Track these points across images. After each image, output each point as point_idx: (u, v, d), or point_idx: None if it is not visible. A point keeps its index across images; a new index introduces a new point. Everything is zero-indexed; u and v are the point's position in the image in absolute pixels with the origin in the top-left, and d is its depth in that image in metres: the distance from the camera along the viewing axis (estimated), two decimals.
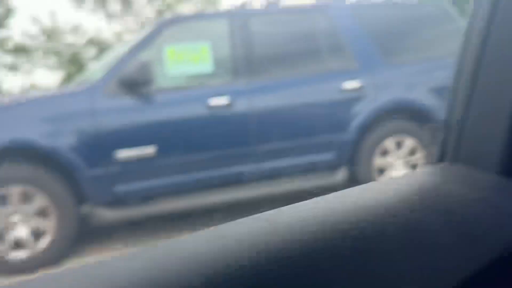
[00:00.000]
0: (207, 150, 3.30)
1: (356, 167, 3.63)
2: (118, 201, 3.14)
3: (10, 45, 11.83)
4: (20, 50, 11.96)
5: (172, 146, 3.22)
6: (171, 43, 3.32)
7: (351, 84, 3.57)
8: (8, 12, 11.53)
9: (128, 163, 3.10)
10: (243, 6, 3.73)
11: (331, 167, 3.64)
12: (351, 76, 3.60)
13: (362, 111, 3.57)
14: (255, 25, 3.56)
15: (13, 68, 12.10)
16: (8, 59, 12.03)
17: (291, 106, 3.53)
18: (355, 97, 3.59)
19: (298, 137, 3.50)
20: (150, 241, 3.38)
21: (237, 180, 3.40)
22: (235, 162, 3.38)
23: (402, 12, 3.93)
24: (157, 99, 3.21)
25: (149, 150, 3.13)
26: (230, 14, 3.59)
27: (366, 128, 3.61)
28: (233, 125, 3.35)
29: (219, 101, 3.27)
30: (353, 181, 3.71)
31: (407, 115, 3.75)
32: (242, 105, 3.33)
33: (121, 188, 3.11)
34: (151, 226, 3.77)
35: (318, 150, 3.54)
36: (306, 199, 0.44)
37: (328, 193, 0.46)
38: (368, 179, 3.63)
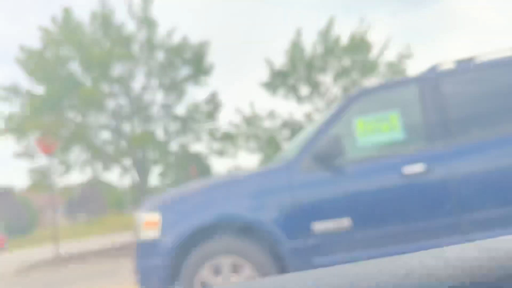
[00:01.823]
0: (405, 221, 3.14)
1: None
2: None
3: (219, 134, 13.84)
4: (227, 137, 13.84)
5: (367, 218, 3.17)
6: (360, 115, 3.40)
7: None
8: (217, 106, 13.65)
9: (325, 236, 3.16)
10: (432, 69, 3.62)
11: None
12: None
13: None
14: (447, 86, 3.39)
15: (220, 153, 14.00)
16: (217, 145, 14.03)
17: (497, 169, 3.13)
18: None
19: (509, 204, 3.04)
20: None
21: None
22: (437, 235, 3.10)
23: None
24: (350, 171, 3.27)
25: (344, 222, 3.15)
26: (418, 79, 3.51)
27: None
28: (431, 194, 3.13)
29: (414, 168, 3.14)
30: None
31: None
32: (440, 172, 3.11)
33: (319, 260, 3.16)
34: None
35: None
36: None
37: None
38: None
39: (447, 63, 3.63)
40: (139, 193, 13.68)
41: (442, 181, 3.10)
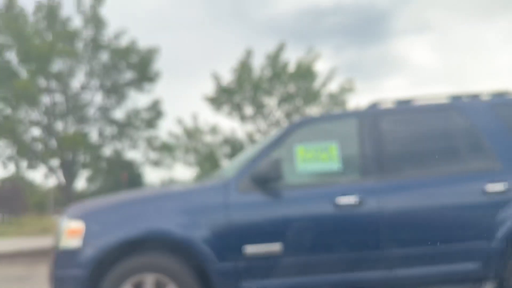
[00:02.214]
0: (334, 251, 3.18)
1: (507, 282, 3.13)
2: None
3: (157, 143, 13.50)
4: (165, 148, 13.52)
5: (297, 245, 3.17)
6: (301, 142, 3.44)
7: (495, 187, 3.24)
8: (158, 115, 13.34)
9: (255, 260, 3.12)
10: (372, 106, 3.77)
11: (475, 279, 3.19)
12: (494, 177, 3.28)
13: (510, 217, 3.17)
14: (386, 123, 3.53)
15: (156, 163, 13.63)
16: (154, 155, 13.66)
17: (426, 207, 3.28)
18: (501, 201, 3.22)
19: (435, 242, 3.19)
20: None
21: (366, 287, 3.16)
22: (364, 267, 3.17)
23: None
24: (286, 196, 3.27)
25: (275, 247, 3.13)
26: (359, 114, 3.64)
27: None
28: (362, 226, 3.21)
29: (348, 200, 3.21)
30: None
31: None
32: (372, 205, 3.20)
33: (247, 284, 3.11)
34: None
35: (459, 258, 3.17)
36: None
37: None
38: None
39: (387, 101, 3.80)
40: (64, 197, 12.93)
41: (373, 215, 3.19)
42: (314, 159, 3.37)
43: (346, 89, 14.08)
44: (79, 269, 3.06)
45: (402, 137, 3.59)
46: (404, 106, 3.71)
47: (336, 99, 13.99)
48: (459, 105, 3.59)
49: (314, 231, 3.19)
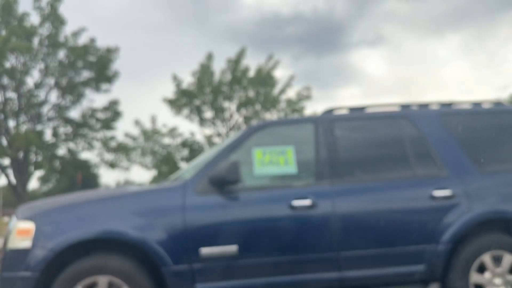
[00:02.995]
0: (288, 252, 3.20)
1: (450, 282, 3.27)
2: None
3: (113, 144, 13.13)
4: (121, 149, 13.18)
5: (253, 246, 3.17)
6: (259, 145, 3.45)
7: (441, 192, 3.38)
8: (115, 116, 13.00)
9: (211, 262, 3.08)
10: (327, 112, 3.84)
11: (421, 280, 3.31)
12: (440, 184, 3.42)
13: (455, 221, 3.31)
14: (340, 129, 3.61)
15: (112, 164, 13.26)
16: (109, 156, 13.27)
17: (376, 211, 3.37)
18: (446, 206, 3.36)
19: (384, 245, 3.28)
20: None
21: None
22: (317, 268, 3.21)
23: (494, 119, 3.79)
24: (243, 198, 3.26)
25: (231, 248, 3.11)
26: (315, 120, 3.69)
27: (460, 240, 3.31)
28: (315, 228, 3.25)
29: (302, 202, 3.25)
30: None
31: (504, 229, 3.41)
32: (325, 208, 3.26)
33: (202, 286, 3.07)
34: None
35: (406, 261, 3.28)
36: None
37: None
38: None
39: (342, 108, 3.89)
40: (15, 197, 12.30)
41: (325, 217, 3.24)
42: (271, 162, 3.39)
43: (303, 97, 14.32)
44: (29, 271, 2.91)
45: (355, 143, 3.68)
46: (357, 113, 3.81)
47: (294, 105, 14.19)
48: (409, 113, 3.72)
49: (269, 232, 3.20)
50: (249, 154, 3.46)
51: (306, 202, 3.24)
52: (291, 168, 3.41)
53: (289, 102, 14.31)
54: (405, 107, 3.86)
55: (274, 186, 3.52)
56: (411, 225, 3.35)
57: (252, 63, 21.31)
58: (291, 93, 14.14)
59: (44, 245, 2.95)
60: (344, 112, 3.85)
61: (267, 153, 3.40)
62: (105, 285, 2.96)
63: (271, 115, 14.20)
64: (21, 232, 3.03)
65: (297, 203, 3.23)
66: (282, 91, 14.23)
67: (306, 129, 3.65)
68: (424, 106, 3.90)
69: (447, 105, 3.98)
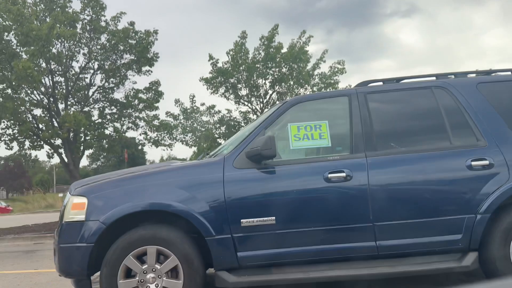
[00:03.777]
0: (325, 223, 3.22)
1: (489, 252, 3.19)
2: (239, 267, 3.17)
3: (156, 123, 13.39)
4: (164, 127, 13.42)
5: (290, 217, 3.21)
6: (294, 121, 3.44)
7: (480, 162, 3.27)
8: (157, 96, 13.23)
9: (250, 232, 3.16)
10: (361, 85, 3.76)
11: (458, 250, 3.25)
12: (479, 153, 3.30)
13: (494, 191, 3.21)
14: (374, 102, 3.54)
15: (156, 142, 13.58)
16: (153, 134, 13.59)
17: (413, 182, 3.32)
18: (485, 176, 3.25)
19: (421, 215, 3.23)
20: None
21: (354, 256, 3.22)
22: (352, 238, 3.22)
23: None
24: (280, 172, 3.29)
25: (269, 219, 3.17)
26: (349, 93, 3.63)
27: (499, 209, 3.21)
28: (351, 199, 3.24)
29: (337, 175, 3.24)
30: (485, 267, 3.25)
31: None
32: (360, 179, 3.23)
33: (243, 254, 3.16)
34: None
35: (444, 231, 3.22)
36: (426, 282, 0.39)
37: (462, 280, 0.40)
38: (503, 267, 3.16)
39: (376, 81, 3.80)
40: (67, 174, 12.92)
41: (361, 189, 3.22)
42: (306, 137, 3.38)
43: (336, 71, 14.00)
44: (84, 242, 3.09)
45: (390, 115, 3.60)
46: (392, 85, 3.71)
47: (327, 80, 13.93)
48: (446, 83, 3.59)
49: (306, 204, 3.22)
50: (284, 129, 3.47)
51: (341, 174, 3.23)
52: (326, 142, 3.39)
53: (323, 76, 14.04)
54: (442, 77, 3.73)
55: (309, 160, 3.52)
56: (448, 196, 3.27)
57: (285, 39, 21.01)
58: (324, 68, 13.88)
59: (96, 218, 3.12)
60: (378, 84, 3.76)
61: (301, 128, 3.39)
62: (154, 254, 3.10)
63: (304, 91, 14.02)
64: (75, 207, 3.20)
65: (332, 175, 3.22)
66: (316, 66, 13.96)
67: (340, 103, 3.60)
68: (461, 76, 3.75)
69: (485, 74, 3.81)
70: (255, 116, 13.91)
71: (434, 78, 3.72)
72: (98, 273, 3.19)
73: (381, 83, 3.78)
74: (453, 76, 3.74)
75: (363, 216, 3.21)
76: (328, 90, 13.49)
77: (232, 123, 14.09)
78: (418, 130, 3.54)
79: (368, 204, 3.21)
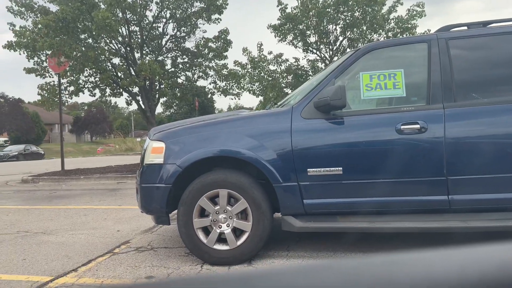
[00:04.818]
0: (394, 175, 3.17)
1: None
2: (305, 213, 3.27)
3: (225, 72, 13.59)
4: (232, 76, 13.59)
5: (357, 169, 3.19)
6: (366, 69, 3.32)
7: None
8: (225, 44, 13.29)
9: (317, 181, 3.21)
10: (443, 30, 3.48)
11: None
12: None
13: None
14: (456, 49, 3.29)
15: (224, 91, 13.83)
16: (222, 83, 13.83)
17: (494, 136, 3.12)
18: None
19: (500, 170, 3.06)
20: (324, 251, 3.41)
21: (423, 210, 3.16)
22: (422, 191, 3.15)
23: None
24: (349, 122, 3.25)
25: (336, 170, 3.18)
26: (428, 39, 3.39)
27: None
28: (424, 152, 3.14)
29: (411, 126, 3.12)
30: None
31: None
32: (436, 132, 3.10)
33: (310, 202, 3.24)
34: (332, 240, 3.80)
35: None
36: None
37: None
38: None
39: (459, 25, 3.50)
40: (144, 120, 13.69)
41: (435, 142, 3.10)
42: (379, 86, 3.26)
43: (414, 14, 12.99)
44: (162, 183, 3.34)
45: (473, 63, 3.33)
46: (478, 30, 3.40)
47: (404, 24, 13.00)
48: None
49: (374, 155, 3.17)
50: (355, 79, 3.38)
51: (415, 126, 3.11)
52: (400, 92, 3.26)
53: (399, 21, 13.11)
54: None
55: (380, 111, 3.41)
56: None
57: None
58: (401, 11, 12.93)
59: (173, 161, 3.34)
60: (461, 29, 3.47)
61: (374, 77, 3.27)
62: (225, 197, 3.29)
63: (378, 37, 13.28)
64: (155, 150, 3.44)
65: (405, 127, 3.12)
66: (391, 9, 13.03)
67: (418, 50, 3.40)
68: None
69: None
70: (323, 64, 13.53)
71: None
72: (176, 211, 3.46)
73: (465, 27, 3.48)
74: None
75: (436, 169, 3.10)
76: (404, 35, 12.64)
77: (300, 72, 13.85)
78: (504, 80, 3.26)
79: (443, 158, 3.09)
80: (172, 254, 3.69)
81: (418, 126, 3.11)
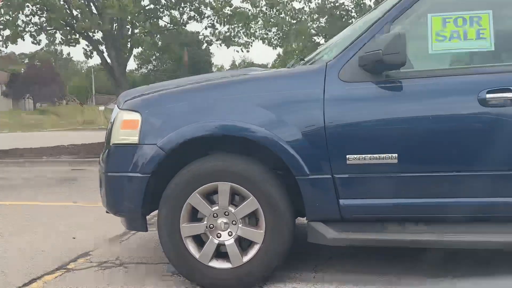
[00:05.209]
0: (476, 166, 3.14)
1: None
2: (341, 219, 3.27)
3: (228, 11, 13.34)
4: (238, 17, 13.39)
5: (421, 156, 3.18)
6: (438, 10, 3.27)
7: None
8: None
9: (359, 172, 3.20)
10: None
11: None
12: None
13: None
14: None
15: (226, 39, 13.69)
16: (223, 28, 13.67)
17: None
18: None
19: None
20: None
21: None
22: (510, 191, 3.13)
23: None
24: (410, 88, 3.22)
25: (389, 157, 3.16)
26: None
27: None
28: None
29: (502, 95, 3.08)
30: None
31: None
32: None
33: (348, 202, 3.23)
34: (380, 258, 3.81)
35: None
36: None
37: None
38: None
39: None
40: (111, 81, 13.72)
41: None
42: (456, 35, 3.21)
43: None
44: (137, 172, 3.34)
45: None
46: None
47: None
48: None
49: (446, 137, 3.15)
50: (420, 24, 3.33)
51: (508, 94, 3.07)
52: (487, 44, 3.20)
53: None
54: None
55: (456, 72, 3.39)
56: None
57: None
58: None
59: (153, 141, 3.33)
60: None
61: (449, 21, 3.22)
62: (227, 193, 3.29)
63: None
64: (126, 125, 3.44)
65: (492, 96, 3.08)
66: None
67: None
68: None
69: None
70: (373, 1, 13.35)
71: None
72: (156, 212, 3.48)
73: None
74: None
75: None
76: None
77: (338, 13, 13.71)
78: None
79: None
80: (149, 272, 3.74)
81: (511, 94, 3.07)
